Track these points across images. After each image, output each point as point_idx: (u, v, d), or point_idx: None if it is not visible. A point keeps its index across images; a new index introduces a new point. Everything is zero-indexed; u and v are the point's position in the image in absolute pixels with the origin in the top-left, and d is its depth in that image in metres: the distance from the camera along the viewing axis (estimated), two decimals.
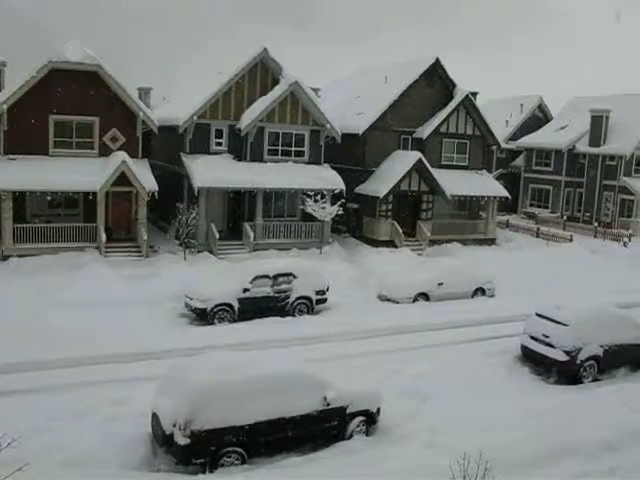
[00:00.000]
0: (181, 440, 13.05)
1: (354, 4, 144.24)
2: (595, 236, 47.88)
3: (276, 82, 36.57)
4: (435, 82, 41.94)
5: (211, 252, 33.72)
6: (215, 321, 24.36)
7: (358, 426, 15.14)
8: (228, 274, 26.64)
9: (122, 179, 31.68)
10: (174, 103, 40.09)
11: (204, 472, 13.28)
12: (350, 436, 15.00)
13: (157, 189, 32.53)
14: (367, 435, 15.31)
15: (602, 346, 20.06)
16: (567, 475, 13.74)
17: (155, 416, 13.95)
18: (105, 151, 33.14)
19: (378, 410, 15.57)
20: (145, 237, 32.03)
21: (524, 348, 21.03)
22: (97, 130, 33.10)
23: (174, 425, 13.16)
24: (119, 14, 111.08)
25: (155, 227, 38.19)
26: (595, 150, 52.92)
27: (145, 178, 32.36)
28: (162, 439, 13.52)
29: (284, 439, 14.12)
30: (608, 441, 15.27)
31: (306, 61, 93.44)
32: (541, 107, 65.55)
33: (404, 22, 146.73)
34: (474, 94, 43.55)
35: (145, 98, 40.63)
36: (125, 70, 36.52)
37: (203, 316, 24.40)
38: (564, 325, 19.91)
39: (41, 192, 31.23)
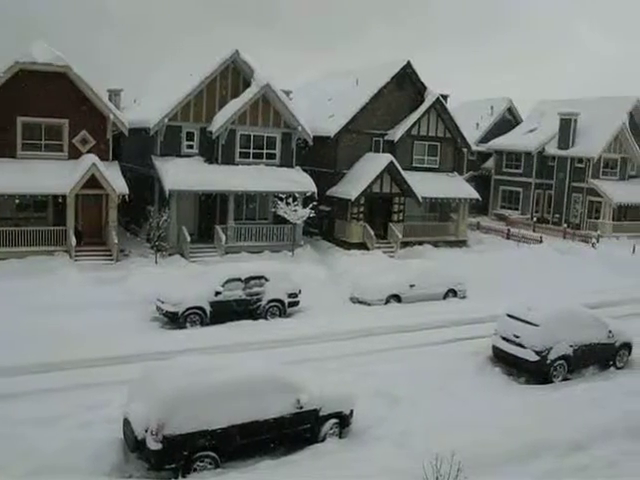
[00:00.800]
0: (153, 445, 12.94)
1: (326, 7, 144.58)
2: (564, 237, 48.45)
3: (248, 84, 36.51)
4: (406, 85, 42.15)
5: (182, 255, 33.53)
6: (187, 325, 24.20)
7: (331, 428, 15.14)
8: (200, 277, 26.51)
9: (92, 182, 31.41)
10: (145, 105, 39.83)
11: (177, 477, 13.18)
12: (323, 439, 14.98)
13: (128, 192, 32.31)
14: (340, 437, 15.30)
15: (572, 346, 20.28)
16: (537, 474, 13.89)
17: (127, 421, 13.80)
18: (75, 154, 32.84)
19: (351, 412, 15.58)
20: (116, 240, 31.77)
21: (495, 349, 21.20)
22: (66, 132, 32.80)
23: (146, 430, 13.06)
24: (88, 15, 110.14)
25: (126, 230, 37.93)
26: (564, 152, 53.55)
27: (116, 181, 32.11)
28: (134, 444, 13.39)
29: (257, 442, 14.08)
30: (577, 440, 15.48)
31: (278, 64, 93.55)
32: (511, 110, 66.21)
33: (375, 25, 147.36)
34: (445, 97, 43.90)
35: (115, 100, 40.39)
36: (95, 72, 36.16)
37: (175, 320, 24.24)
38: (534, 325, 20.09)
39: (9, 195, 30.87)
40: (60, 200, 31.30)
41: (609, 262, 39.84)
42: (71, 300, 25.08)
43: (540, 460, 14.47)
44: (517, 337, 20.31)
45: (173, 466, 13.18)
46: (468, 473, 10.71)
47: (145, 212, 34.62)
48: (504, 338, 20.84)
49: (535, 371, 20.03)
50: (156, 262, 31.82)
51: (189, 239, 33.73)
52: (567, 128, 53.37)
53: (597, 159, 51.63)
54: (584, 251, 43.49)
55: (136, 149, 38.46)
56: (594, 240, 46.13)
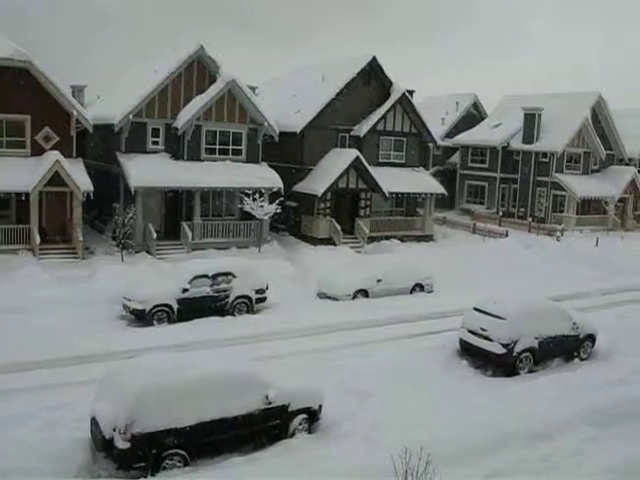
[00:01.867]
0: (121, 444, 12.84)
1: (292, 4, 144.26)
2: (529, 231, 49.02)
3: (213, 80, 36.33)
4: (372, 80, 42.28)
5: (149, 252, 33.29)
6: (154, 322, 24.05)
7: (300, 424, 15.16)
8: (167, 274, 26.38)
9: (56, 179, 30.98)
10: (109, 101, 39.42)
11: (146, 476, 13.08)
12: (292, 434, 15.00)
13: (93, 189, 31.93)
14: (309, 433, 15.33)
15: (537, 338, 20.54)
16: (504, 465, 14.07)
17: (94, 421, 13.68)
18: (38, 150, 32.37)
19: (320, 407, 15.62)
20: (81, 238, 31.41)
21: (462, 342, 21.38)
22: (29, 129, 32.31)
23: (114, 429, 12.95)
24: (53, 11, 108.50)
25: (91, 228, 37.50)
26: (528, 147, 54.13)
27: (80, 178, 31.72)
28: (102, 444, 13.27)
29: (227, 439, 14.04)
30: (543, 430, 15.72)
31: (246, 61, 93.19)
32: (476, 105, 66.75)
33: (343, 20, 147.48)
34: (411, 92, 44.09)
35: (79, 96, 39.75)
36: (57, 67, 35.69)
37: (142, 317, 24.06)
38: (501, 319, 20.30)
39: None
40: (23, 198, 30.82)
41: (573, 255, 40.45)
42: (36, 299, 24.76)
43: (506, 451, 14.65)
44: (484, 330, 20.51)
45: (142, 465, 13.08)
46: (437, 466, 10.80)
47: (110, 209, 34.26)
48: (471, 331, 21.02)
49: (502, 363, 20.24)
50: (122, 259, 31.54)
51: (155, 236, 33.49)
52: (531, 123, 53.96)
53: (561, 153, 52.29)
54: (549, 244, 44.07)
55: (101, 146, 38.06)
56: (559, 233, 46.76)
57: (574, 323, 21.58)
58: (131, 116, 34.19)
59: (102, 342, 21.21)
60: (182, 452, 13.41)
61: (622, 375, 19.88)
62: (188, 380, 13.69)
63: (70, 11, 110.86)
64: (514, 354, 20.06)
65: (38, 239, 30.46)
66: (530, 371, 20.46)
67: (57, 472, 13.08)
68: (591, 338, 22.15)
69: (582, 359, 21.84)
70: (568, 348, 21.60)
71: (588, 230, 50.17)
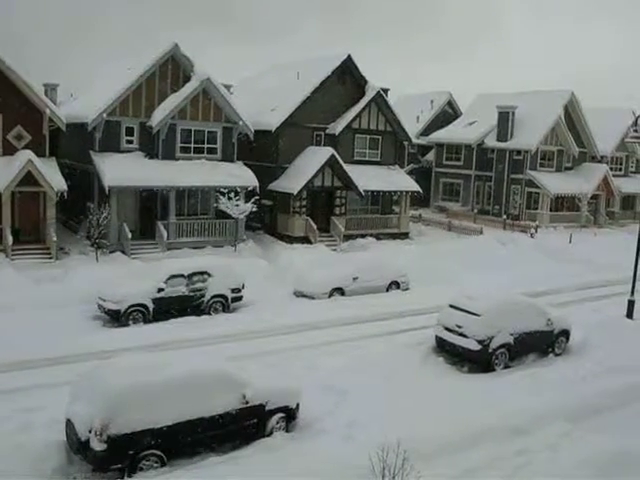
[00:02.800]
0: (97, 446, 12.73)
1: (268, 3, 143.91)
2: (504, 228, 49.42)
3: (188, 79, 36.14)
4: (347, 78, 42.33)
5: (124, 252, 33.06)
6: (130, 322, 23.89)
7: (278, 423, 15.14)
8: (142, 274, 26.19)
9: (29, 179, 30.63)
10: (83, 100, 39.04)
11: (122, 477, 13.01)
12: (270, 433, 14.99)
13: (66, 189, 31.61)
14: (287, 431, 15.32)
15: (512, 334, 20.71)
16: (480, 460, 14.19)
17: (69, 422, 13.55)
18: (10, 150, 31.96)
19: (297, 406, 15.62)
20: (54, 238, 31.10)
21: (438, 339, 21.50)
22: (0, 128, 31.89)
23: (90, 431, 12.84)
24: (26, 9, 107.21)
25: (65, 228, 37.16)
26: (502, 145, 54.55)
27: (53, 177, 31.39)
28: (77, 446, 13.15)
29: (204, 439, 14.00)
30: (519, 425, 15.88)
31: (222, 60, 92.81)
32: (450, 103, 67.17)
33: (319, 19, 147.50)
34: (385, 90, 44.21)
35: (52, 95, 39.46)
36: (29, 66, 35.29)
37: (117, 318, 23.89)
38: (476, 315, 20.45)
39: None
40: None
41: (547, 251, 40.88)
42: (9, 300, 24.48)
43: (483, 446, 14.76)
44: (460, 327, 20.63)
45: (118, 466, 13.00)
46: (414, 462, 10.87)
47: (85, 209, 33.96)
48: (447, 328, 21.15)
49: (478, 360, 20.40)
50: (97, 259, 31.29)
51: (130, 236, 33.26)
52: (505, 121, 54.37)
53: (535, 151, 52.79)
54: (523, 241, 44.47)
55: (74, 145, 37.69)
56: (533, 230, 47.21)
57: (548, 319, 21.80)
58: (105, 115, 33.90)
59: (77, 343, 21.02)
60: (159, 453, 13.34)
61: (596, 369, 20.14)
62: (164, 380, 13.61)
63: (43, 10, 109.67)
64: (490, 350, 20.21)
65: (11, 240, 30.10)
66: (506, 367, 20.63)
67: (31, 475, 12.93)
68: (565, 333, 22.40)
69: (557, 354, 22.08)
70: (543, 343, 21.82)
71: (562, 227, 50.74)
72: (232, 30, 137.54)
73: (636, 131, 30.74)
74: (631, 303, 26.65)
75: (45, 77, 41.04)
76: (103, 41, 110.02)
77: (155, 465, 13.30)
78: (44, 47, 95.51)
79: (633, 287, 26.82)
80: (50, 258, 30.87)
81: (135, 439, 13.01)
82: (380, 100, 43.27)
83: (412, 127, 57.83)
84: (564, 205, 54.23)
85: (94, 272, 28.48)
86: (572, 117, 56.39)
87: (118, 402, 12.94)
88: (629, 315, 26.55)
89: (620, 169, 61.35)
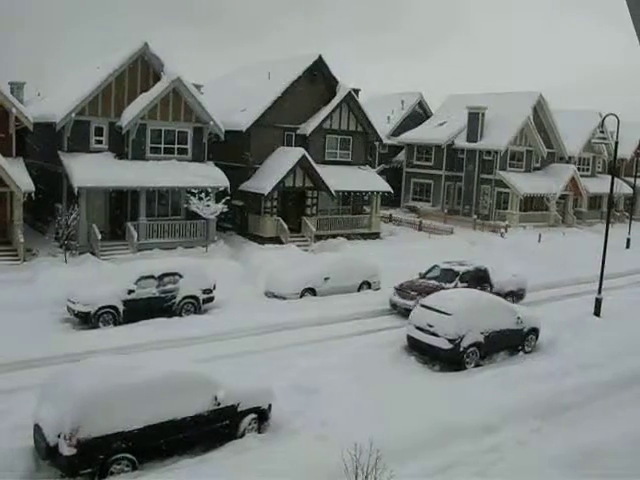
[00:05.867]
0: (67, 450, 12.55)
1: (242, 3, 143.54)
2: (474, 228, 49.81)
3: (158, 78, 35.90)
4: (318, 79, 42.37)
5: (93, 254, 32.70)
6: (100, 324, 23.60)
7: (250, 424, 15.09)
8: (112, 276, 25.93)
9: None
10: (51, 99, 38.56)
11: None
12: (242, 434, 14.92)
13: (34, 189, 31.19)
14: (259, 432, 15.27)
15: (483, 333, 20.88)
16: (452, 457, 14.29)
17: (38, 427, 13.33)
18: None
19: (269, 407, 15.58)
20: (22, 240, 30.68)
21: (410, 338, 21.58)
22: None
23: (59, 435, 12.65)
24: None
25: (33, 229, 36.68)
26: (472, 145, 54.97)
27: (20, 178, 30.97)
28: (46, 451, 12.93)
29: (176, 442, 13.87)
30: (489, 422, 16.03)
31: (193, 60, 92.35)
32: (421, 104, 67.46)
33: (291, 19, 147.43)
34: (356, 91, 44.34)
35: (18, 93, 38.92)
36: None
37: (87, 320, 23.60)
38: (447, 314, 20.58)
39: None
40: None
41: (517, 251, 41.22)
42: None
43: (455, 444, 14.86)
44: (431, 326, 20.74)
45: (89, 471, 12.81)
46: (387, 461, 10.89)
47: (53, 210, 33.55)
48: (418, 328, 21.24)
49: (449, 358, 20.52)
50: (66, 261, 30.93)
51: (100, 237, 32.93)
52: (475, 122, 54.79)
53: (504, 152, 53.26)
54: (493, 241, 44.85)
55: (42, 145, 37.23)
56: (503, 230, 47.62)
57: (518, 317, 22.03)
58: (74, 114, 33.53)
59: (46, 346, 20.71)
60: (130, 456, 13.19)
61: (564, 367, 20.39)
62: (135, 383, 13.48)
63: (9, 8, 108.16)
64: (461, 349, 20.35)
65: None
66: (476, 365, 20.79)
67: None
68: (535, 332, 22.65)
69: (526, 352, 22.31)
70: (513, 342, 22.04)
71: (531, 226, 51.29)
72: (204, 30, 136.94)
73: (602, 132, 31.20)
74: (599, 301, 27.05)
75: (11, 76, 40.48)
76: (76, 41, 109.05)
77: (126, 469, 13.15)
78: (9, 45, 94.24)
79: (600, 285, 27.21)
80: (17, 260, 30.46)
81: (105, 443, 12.85)
82: (351, 100, 43.37)
83: (383, 127, 58.07)
84: (533, 205, 54.80)
85: (63, 274, 28.14)
86: (541, 118, 57.02)
87: (88, 405, 12.77)
88: (597, 313, 26.95)
89: (587, 170, 62.17)
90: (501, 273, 29.31)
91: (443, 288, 25.43)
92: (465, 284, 26.79)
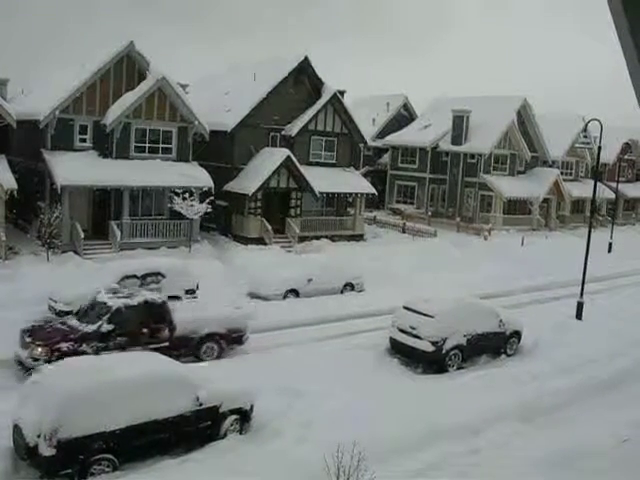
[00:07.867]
0: (46, 451, 12.45)
1: (231, 4, 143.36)
2: (458, 231, 49.96)
3: (143, 77, 35.72)
4: (304, 80, 42.34)
5: (76, 252, 32.48)
6: None
7: (232, 425, 15.05)
8: (94, 275, 25.75)
9: None
10: (35, 96, 38.24)
11: None
12: (224, 435, 14.88)
13: (16, 187, 30.90)
14: (241, 433, 15.24)
15: (465, 336, 20.96)
16: (434, 459, 14.32)
17: (17, 428, 13.21)
18: None
19: (251, 408, 15.54)
20: (4, 238, 30.43)
21: (393, 340, 21.62)
22: None
23: (38, 436, 12.54)
24: None
25: (15, 228, 36.34)
26: (457, 148, 55.15)
27: (3, 175, 30.71)
28: (25, 452, 12.82)
29: (157, 442, 13.80)
30: (471, 425, 16.09)
31: (179, 59, 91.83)
32: (406, 106, 67.60)
33: (281, 20, 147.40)
34: (342, 92, 44.37)
35: (1, 90, 38.52)
36: None
37: None
38: (430, 317, 20.63)
39: None
40: None
41: (501, 254, 41.39)
42: None
43: (437, 446, 14.92)
44: (413, 329, 20.78)
45: (68, 471, 12.71)
46: (369, 462, 10.89)
47: (36, 208, 33.29)
48: (401, 330, 21.28)
49: (431, 361, 20.58)
50: (48, 260, 30.70)
51: (83, 235, 32.72)
52: (460, 125, 54.97)
53: (488, 155, 53.47)
54: (477, 244, 45.04)
55: (25, 142, 36.91)
56: (486, 233, 47.80)
57: (501, 320, 22.13)
58: (58, 112, 33.29)
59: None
60: (111, 457, 13.10)
61: (546, 369, 20.53)
62: (116, 383, 13.41)
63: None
64: (443, 351, 20.41)
65: None
66: (459, 368, 20.86)
67: None
68: (517, 335, 22.76)
69: (509, 355, 22.42)
70: (495, 345, 22.13)
71: (514, 230, 51.51)
72: (190, 29, 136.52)
73: (586, 137, 31.44)
74: (580, 305, 27.24)
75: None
76: (62, 38, 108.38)
77: (107, 469, 13.07)
78: None
79: (582, 289, 27.39)
80: None
81: (86, 443, 12.76)
82: (336, 102, 43.38)
83: (368, 129, 58.05)
84: (516, 208, 55.03)
85: (45, 272, 27.95)
86: (525, 122, 57.31)
87: (68, 405, 12.68)
88: (578, 316, 27.14)
89: (571, 174, 62.55)
90: (205, 306, 22.33)
91: (82, 335, 18.13)
92: (115, 326, 18.50)
